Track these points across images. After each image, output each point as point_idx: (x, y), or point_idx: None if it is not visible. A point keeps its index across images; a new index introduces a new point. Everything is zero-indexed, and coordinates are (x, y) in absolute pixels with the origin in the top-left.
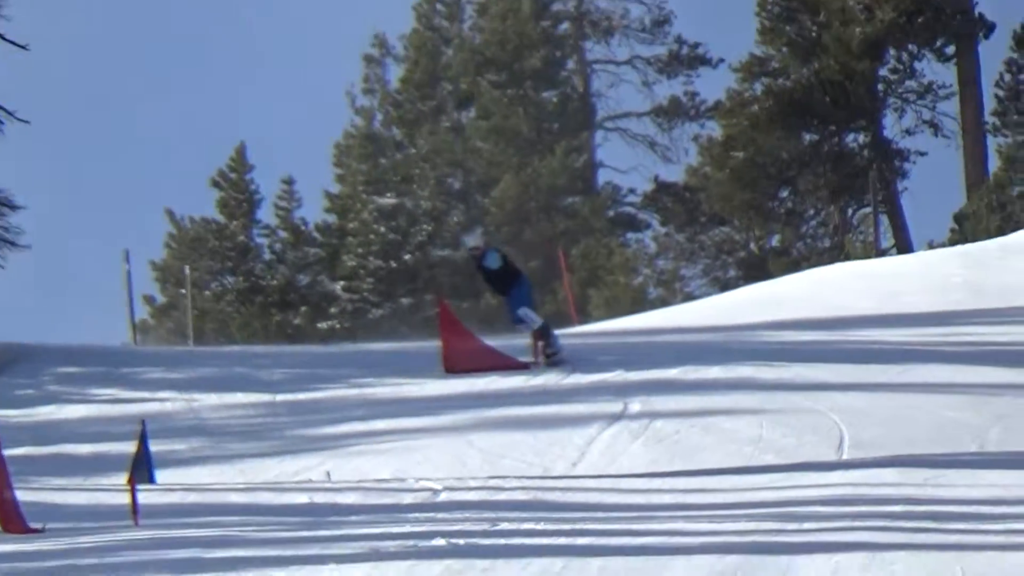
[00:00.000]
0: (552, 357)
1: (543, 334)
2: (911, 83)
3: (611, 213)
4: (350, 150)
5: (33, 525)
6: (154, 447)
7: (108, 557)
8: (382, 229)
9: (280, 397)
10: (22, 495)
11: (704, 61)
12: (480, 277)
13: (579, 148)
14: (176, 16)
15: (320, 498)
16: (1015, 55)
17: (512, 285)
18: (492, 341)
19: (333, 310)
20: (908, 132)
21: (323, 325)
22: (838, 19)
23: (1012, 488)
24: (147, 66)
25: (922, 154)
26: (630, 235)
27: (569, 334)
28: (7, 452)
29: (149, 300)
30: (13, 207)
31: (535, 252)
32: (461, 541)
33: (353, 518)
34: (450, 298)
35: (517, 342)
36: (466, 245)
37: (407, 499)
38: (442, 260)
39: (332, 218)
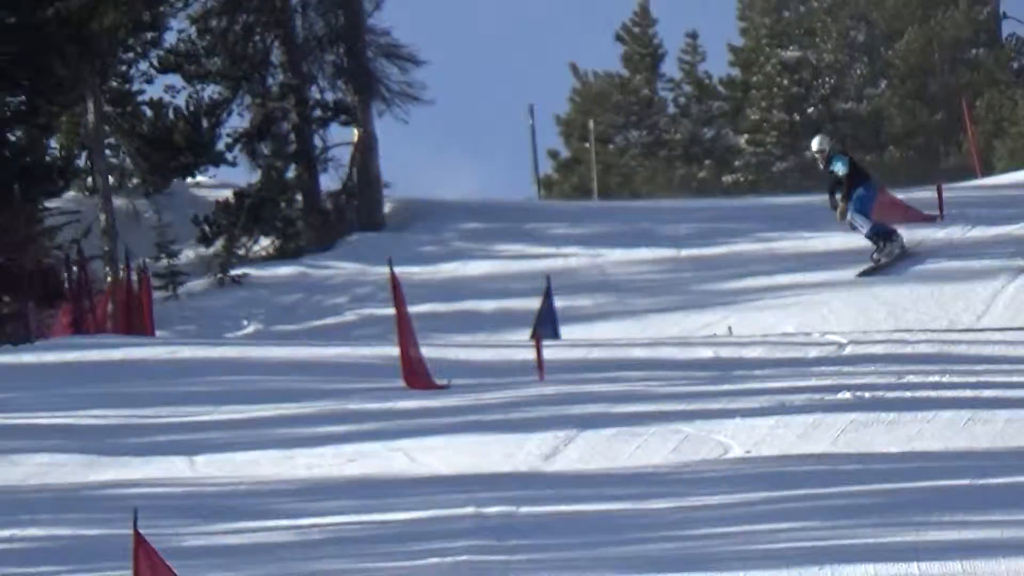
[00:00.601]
0: (878, 263)
1: (877, 237)
2: None
3: (1015, 65)
4: (753, 3)
5: (439, 381)
6: (559, 303)
7: (513, 412)
8: (785, 82)
9: (684, 252)
10: (427, 352)
11: None
12: (828, 178)
13: None
14: None
15: (725, 352)
16: None
17: (856, 187)
18: (898, 194)
19: (737, 163)
20: None
21: (727, 178)
22: None
23: None
24: None
25: None
26: None
27: (973, 186)
28: (412, 309)
29: (554, 155)
30: (417, 62)
31: (939, 105)
32: (866, 394)
33: (758, 372)
34: (854, 151)
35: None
36: (812, 149)
37: (812, 353)
38: (846, 112)
39: (736, 71)
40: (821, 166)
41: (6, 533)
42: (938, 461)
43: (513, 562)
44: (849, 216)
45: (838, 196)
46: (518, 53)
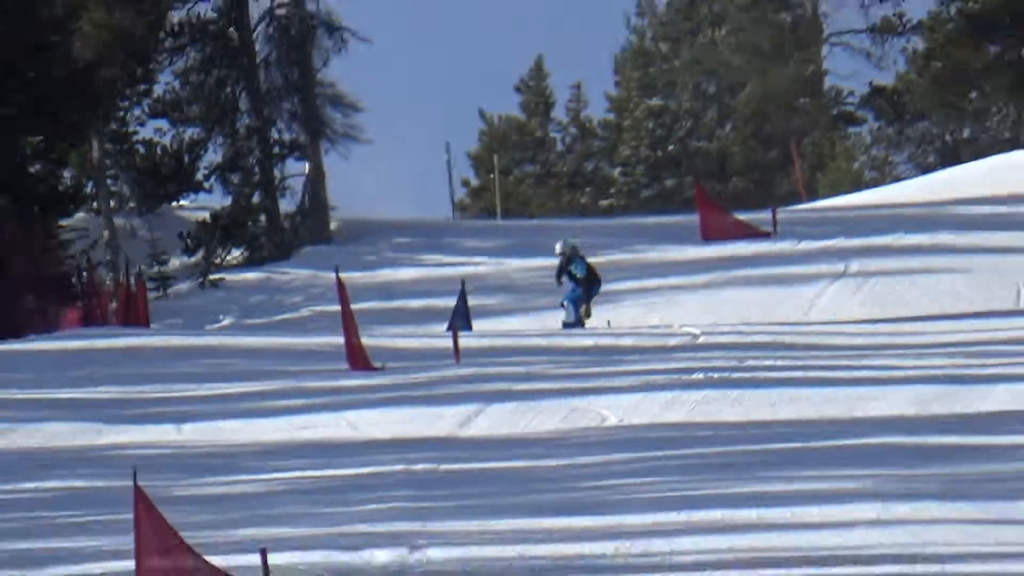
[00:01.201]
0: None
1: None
2: None
3: (835, 111)
4: (626, 61)
5: (376, 364)
6: (471, 302)
7: (435, 389)
8: (651, 125)
9: None
10: (367, 340)
11: None
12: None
13: (809, 59)
14: None
15: (604, 341)
16: None
17: (592, 286)
18: (741, 215)
19: (612, 190)
20: None
21: (604, 202)
22: None
23: None
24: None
25: None
26: (850, 129)
27: (800, 209)
28: (355, 306)
29: (467, 183)
30: (357, 109)
31: (773, 144)
32: (715, 375)
33: (629, 357)
34: (704, 180)
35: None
36: (555, 250)
37: (672, 342)
38: (698, 149)
39: (612, 115)
40: (560, 264)
41: (31, 485)
42: (772, 429)
43: (436, 508)
44: (565, 303)
45: (564, 279)
46: (438, 100)
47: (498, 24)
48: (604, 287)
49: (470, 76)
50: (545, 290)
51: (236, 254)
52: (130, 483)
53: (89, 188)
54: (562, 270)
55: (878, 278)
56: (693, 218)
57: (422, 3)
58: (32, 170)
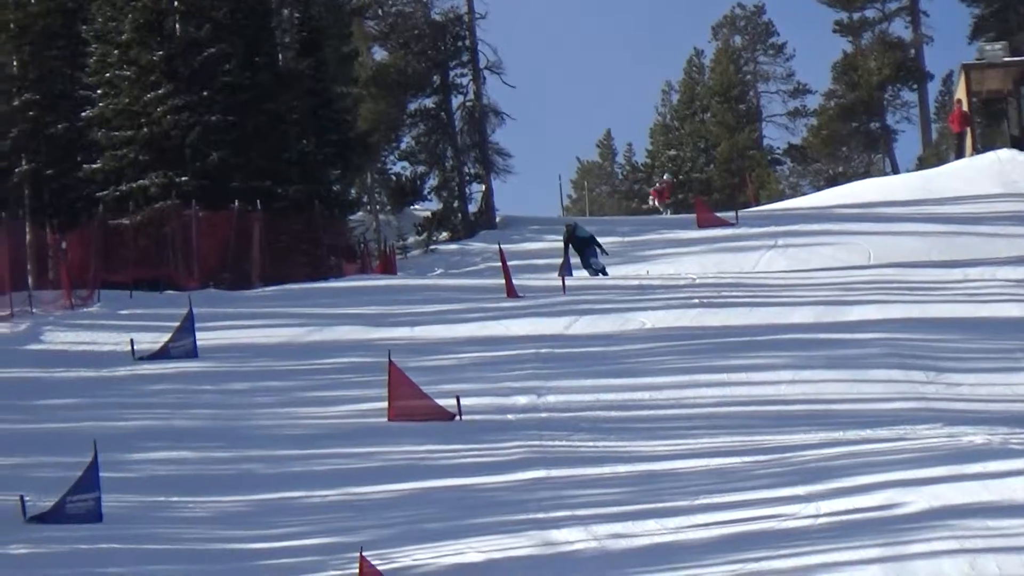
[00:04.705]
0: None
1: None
2: None
3: (769, 157)
4: (656, 130)
5: (520, 294)
6: (574, 259)
7: (552, 308)
8: (669, 164)
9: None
10: (515, 281)
11: None
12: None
13: (754, 129)
14: None
15: (643, 282)
16: None
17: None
18: (718, 213)
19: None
20: None
21: (644, 206)
22: None
23: None
24: None
25: None
26: (777, 167)
27: (751, 211)
28: (509, 263)
29: (569, 196)
30: (509, 156)
31: (736, 174)
32: (704, 301)
33: (656, 290)
34: (699, 195)
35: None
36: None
37: (680, 282)
38: (696, 178)
39: (648, 160)
40: (564, 238)
41: (330, 361)
42: (734, 330)
43: (551, 373)
44: (592, 261)
45: (570, 248)
46: (553, 148)
47: (585, 104)
48: (642, 252)
49: (573, 132)
50: (614, 254)
51: (444, 235)
52: (386, 359)
53: (365, 199)
54: (567, 242)
55: (793, 248)
56: (692, 216)
57: (547, 84)
58: (334, 188)
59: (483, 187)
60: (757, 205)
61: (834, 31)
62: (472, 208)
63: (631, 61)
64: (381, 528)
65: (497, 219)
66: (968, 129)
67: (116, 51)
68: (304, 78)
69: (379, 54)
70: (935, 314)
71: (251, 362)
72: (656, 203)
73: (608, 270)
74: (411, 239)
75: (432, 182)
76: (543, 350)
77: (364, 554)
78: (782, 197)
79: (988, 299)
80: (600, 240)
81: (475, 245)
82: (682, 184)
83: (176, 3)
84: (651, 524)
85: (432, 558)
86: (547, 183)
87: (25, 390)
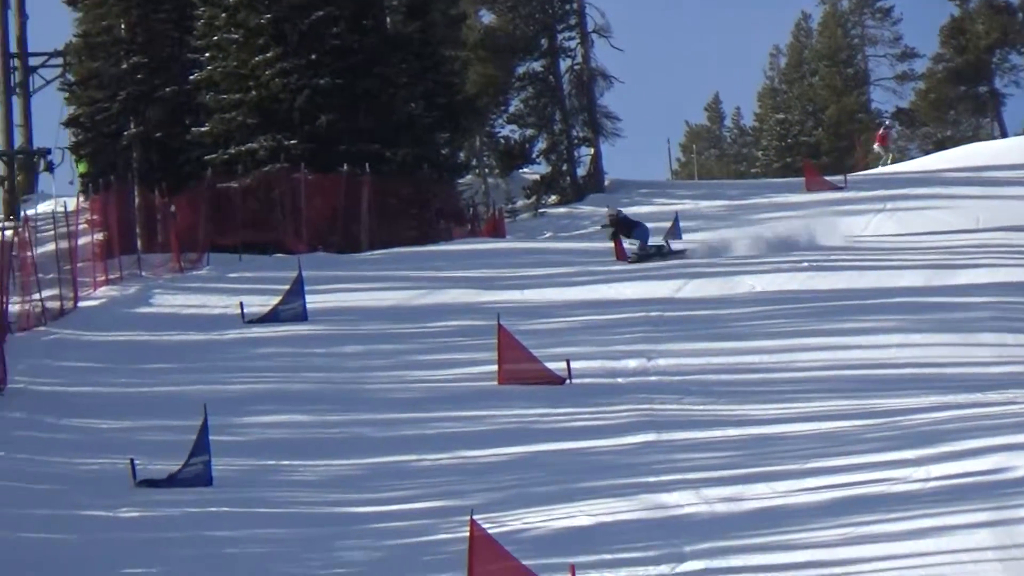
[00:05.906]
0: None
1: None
2: None
3: (876, 121)
4: (764, 93)
5: (630, 257)
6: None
7: (661, 271)
8: (778, 128)
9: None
10: (625, 245)
11: None
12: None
13: (862, 93)
14: None
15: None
16: None
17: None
18: (828, 177)
19: (756, 164)
20: None
21: (752, 170)
22: None
23: None
24: None
25: None
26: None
27: (859, 175)
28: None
29: (678, 159)
30: (618, 119)
31: (844, 138)
32: (814, 263)
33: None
34: (808, 159)
35: None
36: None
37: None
38: (804, 142)
39: (756, 124)
40: (613, 220)
41: (440, 324)
42: (842, 293)
43: (661, 336)
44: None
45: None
46: (662, 111)
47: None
48: (750, 216)
49: (680, 95)
50: (720, 218)
51: (553, 198)
52: (496, 323)
53: (473, 162)
54: (618, 225)
55: (901, 212)
56: (800, 180)
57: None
58: (443, 151)
59: (591, 150)
60: (865, 169)
61: None
62: (580, 171)
63: (739, 24)
64: (491, 491)
65: (606, 182)
66: None
67: (223, 14)
68: (412, 41)
69: (487, 17)
70: None
71: (361, 325)
72: (879, 148)
73: (672, 245)
74: (520, 202)
75: (540, 145)
76: (653, 313)
77: (474, 517)
78: (895, 161)
79: None
80: (708, 203)
81: (584, 209)
82: (790, 148)
83: None
84: (761, 488)
85: (542, 521)
86: (655, 147)
87: (135, 354)
